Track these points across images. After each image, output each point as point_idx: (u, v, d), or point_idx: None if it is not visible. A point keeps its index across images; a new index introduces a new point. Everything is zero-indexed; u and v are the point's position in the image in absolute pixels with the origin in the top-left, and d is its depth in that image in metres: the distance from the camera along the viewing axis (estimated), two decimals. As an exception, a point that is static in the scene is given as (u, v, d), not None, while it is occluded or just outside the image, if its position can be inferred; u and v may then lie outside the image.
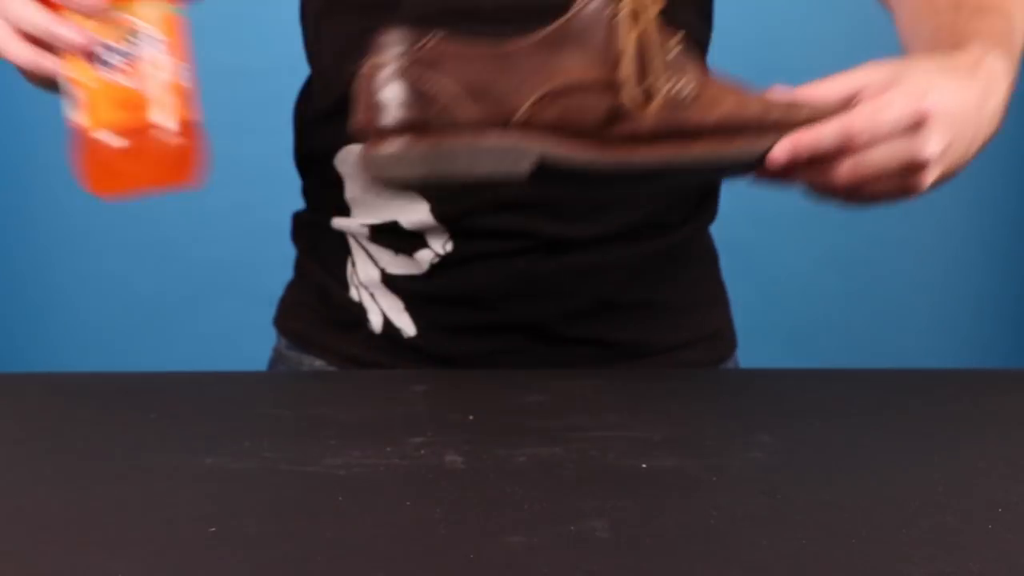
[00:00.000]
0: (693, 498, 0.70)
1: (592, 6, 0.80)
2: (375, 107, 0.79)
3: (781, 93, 0.83)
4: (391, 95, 0.79)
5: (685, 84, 0.80)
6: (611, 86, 0.79)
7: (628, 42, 0.79)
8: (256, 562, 0.59)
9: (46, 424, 0.86)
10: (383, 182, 0.80)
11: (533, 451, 0.78)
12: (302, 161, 1.14)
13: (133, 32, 0.78)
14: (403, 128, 0.79)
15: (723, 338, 1.13)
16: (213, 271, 1.95)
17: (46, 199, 2.00)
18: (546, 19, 1.04)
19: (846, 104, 0.81)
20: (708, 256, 1.17)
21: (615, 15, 0.80)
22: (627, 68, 0.79)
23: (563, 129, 0.80)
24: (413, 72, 0.78)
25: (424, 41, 0.78)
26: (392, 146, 0.79)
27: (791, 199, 2.04)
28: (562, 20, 0.79)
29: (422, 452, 0.77)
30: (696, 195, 1.14)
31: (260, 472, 0.75)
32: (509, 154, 0.80)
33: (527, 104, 0.79)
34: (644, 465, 0.75)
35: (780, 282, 2.05)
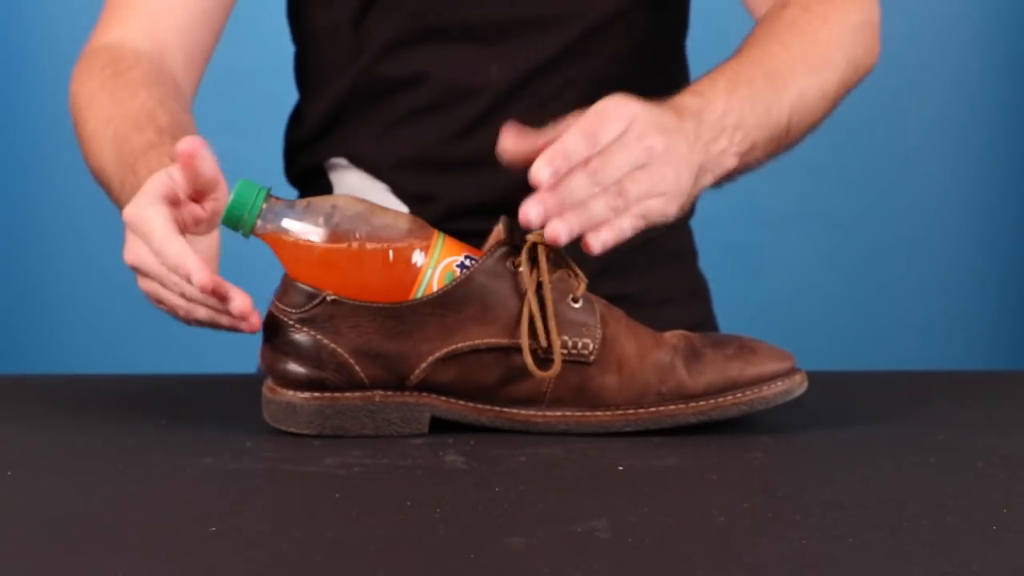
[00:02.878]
0: (693, 498, 0.70)
1: (489, 264, 0.79)
2: (277, 352, 0.81)
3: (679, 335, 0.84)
4: (291, 348, 0.80)
5: (585, 344, 0.80)
6: (509, 347, 0.79)
7: (526, 302, 0.79)
8: (256, 562, 0.59)
9: (47, 425, 0.86)
10: (279, 427, 0.81)
11: (533, 451, 0.78)
12: (296, 178, 1.16)
13: (455, 271, 0.80)
14: (300, 382, 0.80)
15: (704, 331, 1.14)
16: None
17: (49, 200, 2.00)
18: (519, 32, 1.05)
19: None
20: (686, 251, 1.18)
21: (514, 271, 0.79)
22: (524, 329, 0.79)
23: (459, 390, 0.81)
24: (312, 329, 0.79)
25: (320, 299, 0.79)
26: (288, 396, 0.81)
27: (790, 199, 2.04)
28: (460, 279, 0.79)
29: (422, 452, 0.77)
30: None
31: (260, 472, 0.75)
32: (404, 415, 0.81)
33: (423, 366, 0.79)
34: (644, 465, 0.75)
35: (779, 282, 2.05)
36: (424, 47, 1.06)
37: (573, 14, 1.06)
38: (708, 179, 0.87)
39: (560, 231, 0.77)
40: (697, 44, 1.19)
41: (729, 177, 0.90)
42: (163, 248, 0.79)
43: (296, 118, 1.17)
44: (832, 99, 0.98)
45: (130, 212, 0.81)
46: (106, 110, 0.97)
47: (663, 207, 0.81)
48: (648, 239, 1.13)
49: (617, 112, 0.81)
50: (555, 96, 1.07)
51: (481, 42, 1.06)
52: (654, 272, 1.13)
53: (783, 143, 0.94)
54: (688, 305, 1.16)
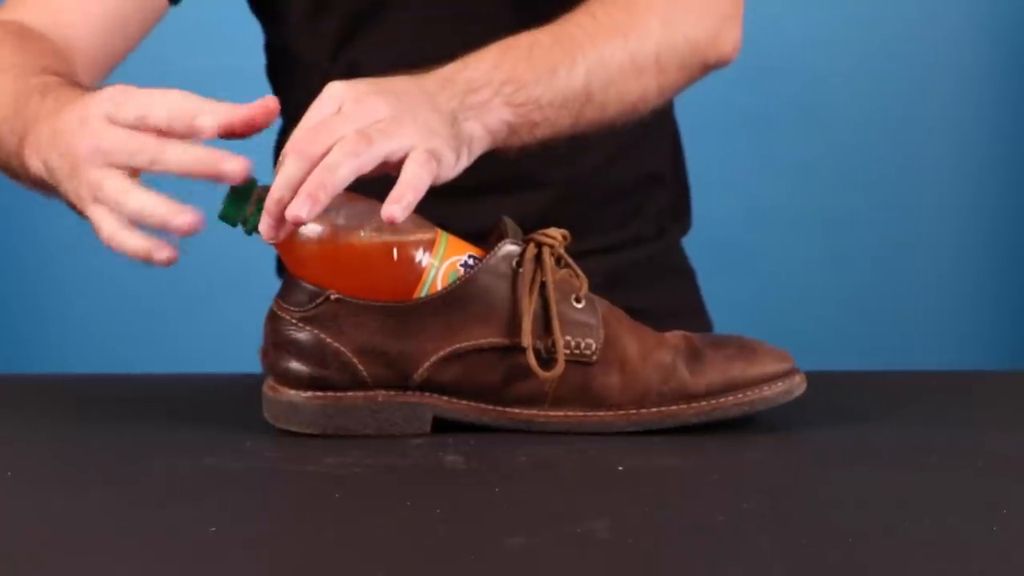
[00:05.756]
0: (693, 498, 0.70)
1: (493, 264, 0.79)
2: (279, 351, 0.80)
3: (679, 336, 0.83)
4: (293, 348, 0.80)
5: (587, 344, 0.80)
6: (512, 347, 0.79)
7: (528, 302, 0.79)
8: (256, 562, 0.59)
9: (47, 425, 0.86)
10: (281, 426, 0.81)
11: (533, 451, 0.78)
12: None
13: (458, 271, 0.80)
14: (302, 381, 0.80)
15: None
16: (214, 271, 1.95)
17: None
18: None
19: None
20: (685, 269, 1.20)
21: (516, 270, 0.79)
22: (527, 329, 0.79)
23: (462, 389, 0.81)
24: (315, 328, 0.79)
25: (323, 298, 0.79)
26: (290, 396, 0.80)
27: (789, 199, 2.04)
28: (464, 278, 0.79)
29: (422, 452, 0.77)
30: (670, 208, 1.17)
31: (260, 472, 0.75)
32: (406, 415, 0.81)
33: (426, 365, 0.79)
34: (644, 465, 0.75)
35: (779, 282, 2.05)
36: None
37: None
38: (475, 126, 0.84)
39: (300, 209, 0.74)
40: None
41: (530, 133, 0.89)
42: (166, 99, 0.77)
43: (281, 147, 1.17)
44: (652, 69, 0.95)
45: (112, 88, 0.79)
46: (8, 60, 0.94)
47: (413, 143, 0.78)
48: (652, 254, 1.14)
49: (325, 95, 0.79)
50: None
51: None
52: (661, 287, 1.14)
53: (586, 108, 0.92)
54: (692, 320, 1.17)
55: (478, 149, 0.85)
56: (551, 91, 0.89)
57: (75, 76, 0.95)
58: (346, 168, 0.74)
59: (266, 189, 0.78)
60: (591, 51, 0.91)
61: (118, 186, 0.78)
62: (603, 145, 1.08)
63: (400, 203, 0.74)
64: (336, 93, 0.79)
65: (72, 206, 0.84)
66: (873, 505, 0.67)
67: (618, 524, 0.63)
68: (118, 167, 0.78)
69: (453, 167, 0.81)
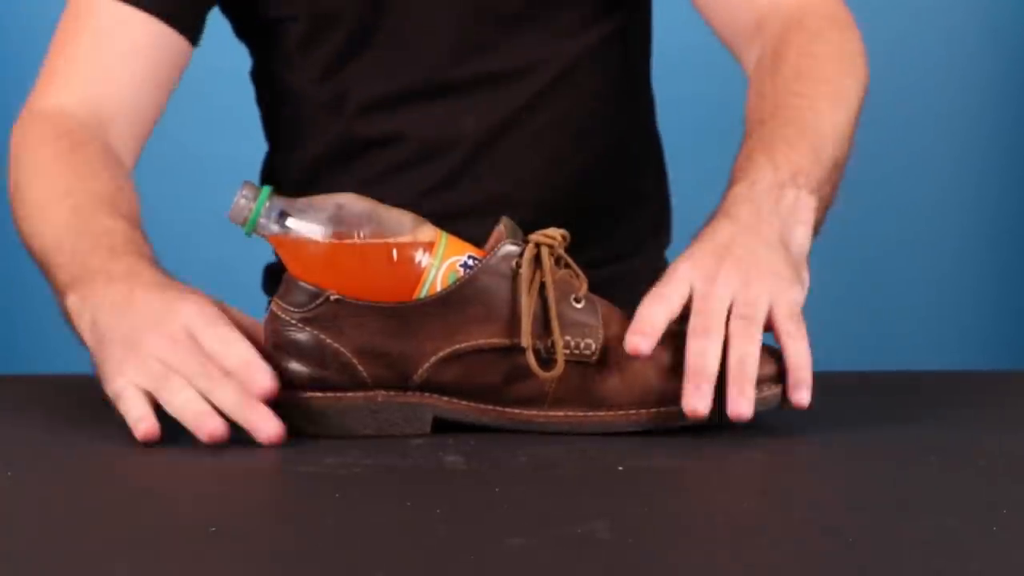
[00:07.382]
0: (693, 498, 0.70)
1: (492, 264, 0.79)
2: (279, 352, 0.80)
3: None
4: (293, 348, 0.80)
5: (587, 344, 0.80)
6: (512, 348, 0.79)
7: (528, 302, 0.79)
8: (256, 561, 0.59)
9: (47, 425, 0.86)
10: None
11: (533, 451, 0.78)
12: None
13: (458, 271, 0.80)
14: (302, 382, 0.80)
15: None
16: (212, 271, 1.95)
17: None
18: (493, 84, 1.06)
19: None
20: None
21: (516, 270, 0.79)
22: (527, 330, 0.79)
23: (462, 390, 0.81)
24: (314, 328, 0.79)
25: (323, 298, 0.79)
26: (291, 397, 0.80)
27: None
28: (464, 279, 0.79)
29: (422, 452, 0.78)
30: (651, 224, 1.17)
31: (260, 472, 0.75)
32: (406, 415, 0.81)
33: (426, 365, 0.79)
34: (644, 465, 0.75)
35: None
36: (400, 106, 1.07)
37: (544, 61, 1.07)
38: (801, 231, 0.87)
39: (742, 408, 0.77)
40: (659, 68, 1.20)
41: (823, 215, 0.91)
42: (238, 343, 0.80)
43: (270, 175, 1.17)
44: (851, 129, 0.98)
45: (199, 307, 0.81)
46: (65, 181, 0.95)
47: (784, 294, 0.81)
48: (630, 270, 1.14)
49: (674, 279, 0.82)
50: (531, 143, 1.08)
51: (456, 97, 1.07)
52: (638, 302, 1.14)
53: (837, 177, 0.94)
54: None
55: (808, 251, 0.87)
56: (823, 172, 0.91)
57: (126, 185, 0.96)
58: (754, 356, 0.78)
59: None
60: (825, 125, 0.94)
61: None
62: (585, 165, 1.09)
63: (806, 385, 0.79)
64: (685, 276, 0.81)
65: (95, 363, 0.85)
66: (873, 505, 0.67)
67: (618, 524, 0.63)
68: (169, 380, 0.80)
69: (805, 291, 0.84)
